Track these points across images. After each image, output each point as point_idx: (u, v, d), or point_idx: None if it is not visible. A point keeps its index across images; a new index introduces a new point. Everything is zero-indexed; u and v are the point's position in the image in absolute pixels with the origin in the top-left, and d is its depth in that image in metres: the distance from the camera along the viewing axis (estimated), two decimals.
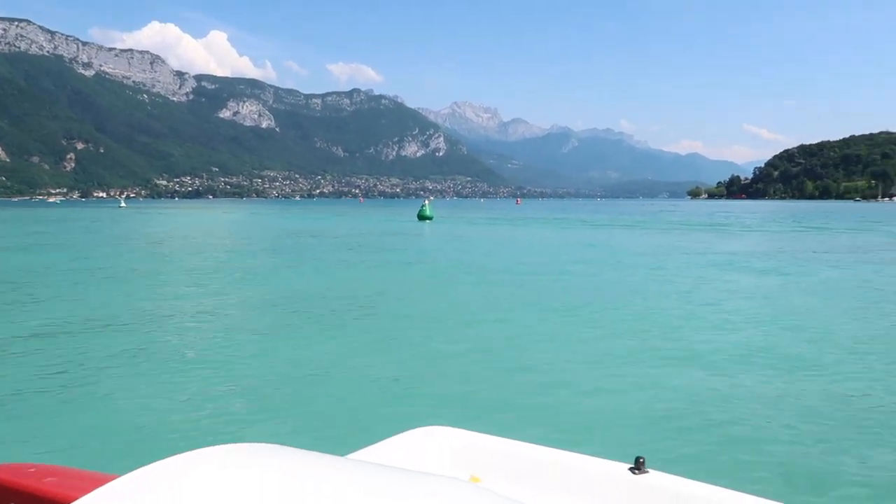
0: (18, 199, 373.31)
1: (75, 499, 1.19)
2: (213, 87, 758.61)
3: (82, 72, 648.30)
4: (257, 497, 1.21)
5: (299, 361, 9.89)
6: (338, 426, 6.78)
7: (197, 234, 48.20)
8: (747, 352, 10.19)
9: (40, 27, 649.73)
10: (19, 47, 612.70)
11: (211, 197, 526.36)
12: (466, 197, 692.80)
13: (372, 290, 17.86)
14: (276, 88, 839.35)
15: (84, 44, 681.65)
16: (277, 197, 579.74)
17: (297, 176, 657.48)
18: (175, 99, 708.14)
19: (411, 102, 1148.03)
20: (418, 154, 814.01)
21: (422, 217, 66.06)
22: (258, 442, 1.53)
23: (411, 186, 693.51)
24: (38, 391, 8.14)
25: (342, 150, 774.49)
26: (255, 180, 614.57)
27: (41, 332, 11.85)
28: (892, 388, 8.23)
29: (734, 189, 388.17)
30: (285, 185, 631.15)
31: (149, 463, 1.35)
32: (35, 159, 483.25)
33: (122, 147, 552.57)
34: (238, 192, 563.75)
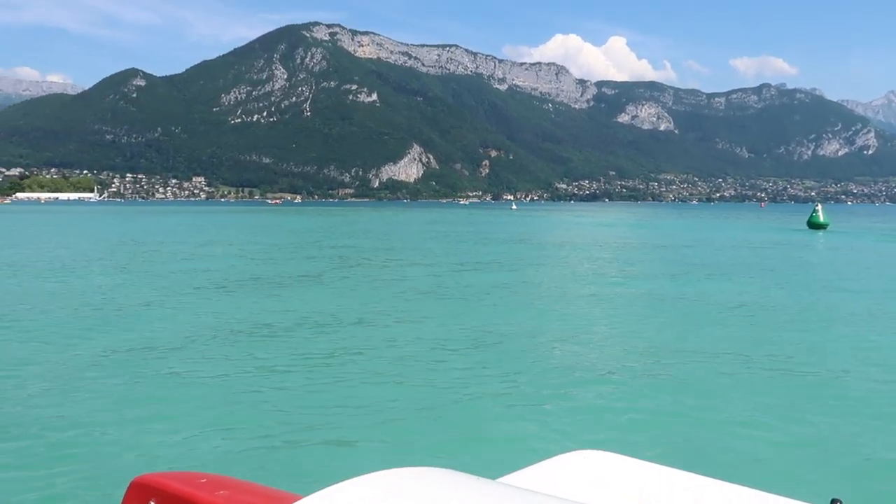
0: (445, 201, 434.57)
1: None
2: (613, 92, 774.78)
3: (497, 87, 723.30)
4: None
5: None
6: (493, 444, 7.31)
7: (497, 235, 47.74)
8: None
9: (465, 50, 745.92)
10: (449, 69, 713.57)
11: (607, 200, 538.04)
12: None
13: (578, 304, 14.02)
14: (676, 89, 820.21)
15: (500, 61, 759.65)
16: (674, 200, 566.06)
17: (695, 179, 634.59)
18: (576, 106, 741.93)
19: (833, 94, 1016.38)
20: (840, 153, 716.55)
21: (813, 225, 57.39)
22: (419, 465, 1.59)
23: (830, 190, 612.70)
24: None
25: (746, 150, 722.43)
26: (651, 184, 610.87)
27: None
28: None
29: None
30: (682, 188, 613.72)
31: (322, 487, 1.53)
32: (457, 166, 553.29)
33: (528, 153, 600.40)
34: (633, 196, 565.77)
